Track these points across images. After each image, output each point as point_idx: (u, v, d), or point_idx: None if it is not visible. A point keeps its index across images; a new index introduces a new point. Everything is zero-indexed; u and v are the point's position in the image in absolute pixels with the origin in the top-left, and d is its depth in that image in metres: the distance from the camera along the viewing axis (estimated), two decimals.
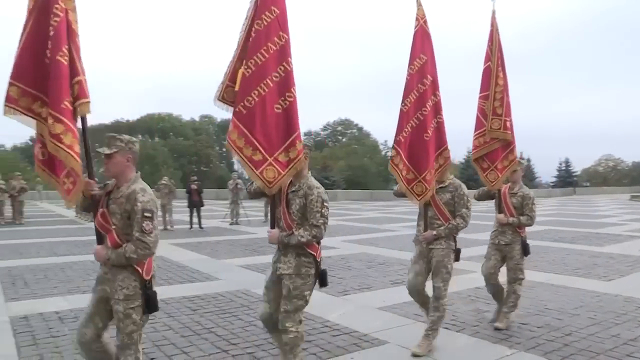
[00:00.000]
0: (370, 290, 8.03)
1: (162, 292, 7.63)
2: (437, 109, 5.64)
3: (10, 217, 20.28)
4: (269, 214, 17.95)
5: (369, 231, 16.89)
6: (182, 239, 14.71)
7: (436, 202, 5.47)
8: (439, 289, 5.29)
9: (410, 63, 5.55)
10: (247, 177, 4.77)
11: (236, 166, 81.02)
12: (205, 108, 78.94)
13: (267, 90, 4.31)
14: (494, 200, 6.39)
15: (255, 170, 4.25)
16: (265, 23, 4.36)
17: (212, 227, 18.48)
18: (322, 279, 4.30)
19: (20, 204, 20.47)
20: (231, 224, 19.43)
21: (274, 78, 4.35)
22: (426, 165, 5.45)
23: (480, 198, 6.64)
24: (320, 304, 6.53)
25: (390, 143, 5.72)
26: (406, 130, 5.49)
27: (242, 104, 4.25)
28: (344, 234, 16.01)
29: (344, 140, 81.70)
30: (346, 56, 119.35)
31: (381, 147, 78.22)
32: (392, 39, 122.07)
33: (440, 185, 5.53)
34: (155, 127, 74.75)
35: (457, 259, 5.49)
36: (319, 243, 4.30)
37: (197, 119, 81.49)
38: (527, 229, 6.31)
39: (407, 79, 5.55)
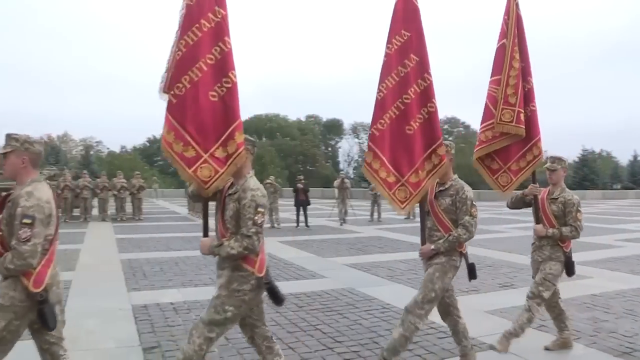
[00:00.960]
0: (477, 293, 7.80)
1: None
2: (426, 95, 4.71)
3: (130, 214, 21.68)
4: (374, 213, 17.80)
5: (477, 232, 16.37)
6: (288, 237, 15.04)
7: (435, 210, 4.64)
8: (413, 302, 4.43)
9: (388, 41, 4.70)
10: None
11: (342, 165, 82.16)
12: (311, 108, 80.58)
13: (200, 75, 3.73)
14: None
15: (187, 169, 3.72)
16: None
17: (318, 226, 18.74)
18: None
19: (139, 201, 21.84)
20: (341, 224, 19.10)
21: (209, 61, 3.77)
22: (409, 166, 4.66)
23: (513, 205, 5.54)
24: None
25: None
26: (382, 122, 4.66)
27: (172, 92, 3.70)
28: None
29: (450, 139, 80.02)
30: (447, 51, 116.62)
31: None
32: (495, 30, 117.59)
33: (440, 188, 4.68)
34: (262, 127, 77.02)
35: (472, 276, 4.77)
36: (257, 255, 3.66)
37: (303, 118, 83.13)
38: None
39: (383, 60, 4.71)
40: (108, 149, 72.54)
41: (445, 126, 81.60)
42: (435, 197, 4.66)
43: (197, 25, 3.74)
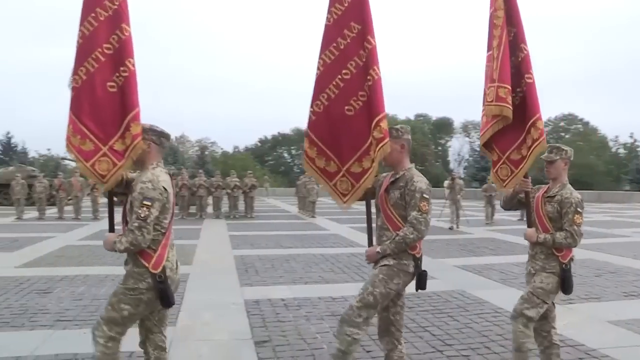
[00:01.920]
0: (599, 301, 7.28)
1: None
2: (367, 65, 4.02)
3: (243, 211, 22.46)
4: (491, 215, 16.92)
5: (596, 235, 15.35)
6: None
7: (384, 205, 3.94)
8: (348, 309, 3.82)
9: (328, 10, 4.17)
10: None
11: (452, 165, 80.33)
12: (420, 107, 79.41)
13: (96, 65, 3.57)
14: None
15: (85, 163, 3.56)
16: None
17: (432, 226, 18.17)
18: None
19: (251, 199, 22.58)
20: (450, 228, 17.55)
21: (106, 51, 3.60)
22: (350, 153, 4.06)
23: (507, 205, 4.62)
24: None
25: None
26: (318, 104, 4.11)
27: (72, 85, 3.58)
28: None
29: (567, 137, 75.71)
30: (563, 45, 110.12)
31: (611, 143, 71.09)
32: (625, 20, 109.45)
33: (392, 179, 3.95)
34: None
35: (420, 286, 3.97)
36: (155, 251, 3.44)
37: (411, 117, 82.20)
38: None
39: (323, 34, 4.18)
40: (222, 149, 76.05)
41: (562, 123, 77.58)
42: (386, 191, 3.93)
43: (93, 14, 3.61)
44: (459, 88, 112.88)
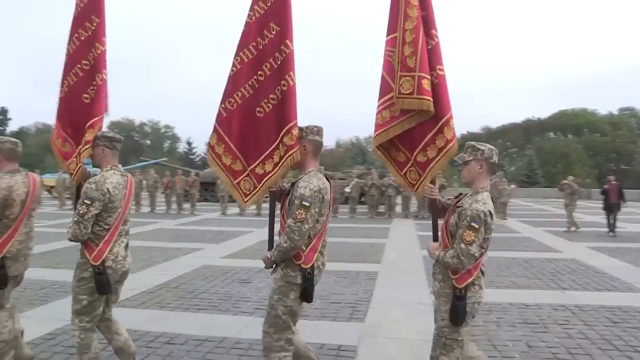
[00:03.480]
0: None
1: (576, 296, 7.23)
2: (282, 70, 3.98)
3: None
4: None
5: None
6: (597, 243, 13.64)
7: (281, 210, 3.83)
8: (263, 336, 3.69)
9: (250, 9, 4.15)
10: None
11: None
12: (626, 100, 71.85)
13: (75, 79, 4.18)
14: None
15: (65, 163, 4.38)
16: (79, 9, 4.28)
17: (635, 232, 16.55)
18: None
19: (423, 199, 22.21)
20: None
21: (84, 66, 4.20)
22: (256, 155, 4.05)
23: (430, 212, 4.06)
24: None
25: None
26: (231, 101, 4.10)
27: (60, 95, 4.36)
28: None
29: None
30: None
31: None
32: None
33: (293, 183, 3.81)
34: (568, 123, 71.61)
35: (304, 298, 3.65)
36: (94, 243, 3.81)
37: (615, 112, 74.73)
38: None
39: (242, 31, 4.16)
40: None
41: None
42: (288, 194, 3.78)
43: (75, 34, 4.34)
44: None
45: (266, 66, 4.10)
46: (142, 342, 5.22)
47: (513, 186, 40.95)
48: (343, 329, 5.76)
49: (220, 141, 4.21)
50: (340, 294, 7.43)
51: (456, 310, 3.40)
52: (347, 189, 23.34)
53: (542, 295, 7.35)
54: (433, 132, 3.94)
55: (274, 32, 4.10)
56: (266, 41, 4.12)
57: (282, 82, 4.03)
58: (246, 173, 4.16)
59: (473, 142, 3.64)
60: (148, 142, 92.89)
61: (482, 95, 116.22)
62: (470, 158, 3.57)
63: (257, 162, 4.10)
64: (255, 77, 4.13)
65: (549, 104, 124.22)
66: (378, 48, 4.20)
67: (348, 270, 9.23)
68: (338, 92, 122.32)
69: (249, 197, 4.19)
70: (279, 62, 4.06)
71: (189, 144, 78.70)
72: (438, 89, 3.91)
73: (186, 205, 23.79)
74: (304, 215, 3.53)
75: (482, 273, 3.57)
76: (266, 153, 4.05)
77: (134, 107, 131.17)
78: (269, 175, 4.04)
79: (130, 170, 35.18)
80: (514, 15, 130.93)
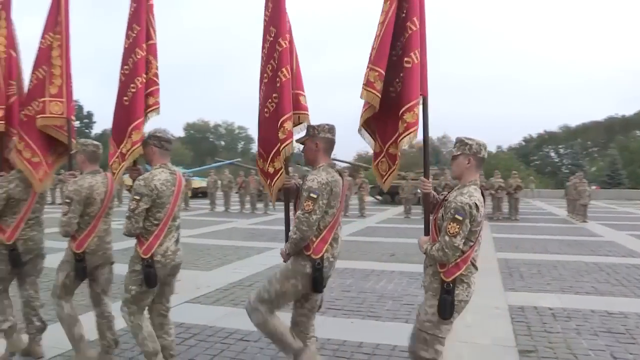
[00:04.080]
0: None
1: None
2: (278, 67, 4.21)
3: (506, 213, 21.67)
4: None
5: None
6: None
7: (295, 204, 4.09)
8: (247, 302, 4.09)
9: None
10: None
11: None
12: None
13: (119, 85, 4.61)
14: None
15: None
16: (128, 18, 4.67)
17: None
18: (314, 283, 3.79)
19: (516, 201, 21.65)
20: None
21: (125, 72, 4.57)
22: (267, 154, 4.31)
23: (424, 206, 4.06)
24: None
25: None
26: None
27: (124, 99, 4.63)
28: None
29: None
30: None
31: None
32: None
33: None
34: None
35: (314, 288, 3.86)
36: (145, 238, 4.03)
37: None
38: None
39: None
40: None
41: None
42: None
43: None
44: None
45: (269, 68, 4.34)
46: (217, 338, 5.36)
47: (594, 187, 39.24)
48: None
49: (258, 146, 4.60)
50: (412, 295, 7.35)
51: (444, 303, 3.44)
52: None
53: (627, 303, 6.99)
54: (388, 119, 4.02)
55: (272, 35, 4.32)
56: (268, 44, 4.37)
57: (277, 79, 4.21)
58: (267, 174, 4.41)
59: (462, 137, 3.67)
60: (222, 142, 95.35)
61: (559, 91, 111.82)
62: (459, 152, 3.61)
63: (268, 162, 4.34)
64: (264, 80, 4.39)
65: (634, 100, 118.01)
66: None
67: (421, 271, 9.04)
68: None
69: (272, 197, 4.50)
70: (276, 62, 4.26)
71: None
72: (406, 80, 3.88)
73: (259, 205, 24.24)
74: (311, 207, 3.72)
75: (475, 267, 3.57)
76: (274, 151, 4.26)
77: (209, 109, 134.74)
78: (280, 173, 4.28)
79: (205, 170, 36.35)
80: (594, 3, 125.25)
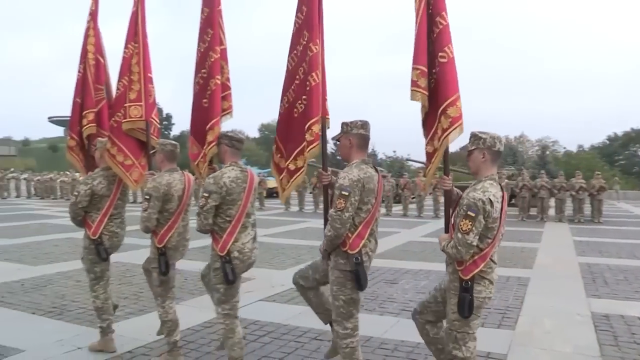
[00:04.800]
0: None
1: None
2: (308, 71, 4.37)
3: (588, 215, 20.72)
4: None
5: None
6: None
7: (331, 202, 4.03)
8: (336, 324, 3.92)
9: (294, 19, 4.59)
10: None
11: None
12: None
13: (197, 88, 4.93)
14: None
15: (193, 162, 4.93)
16: (200, 25, 4.95)
17: None
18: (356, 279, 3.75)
19: (599, 203, 20.64)
20: None
21: (203, 75, 4.87)
22: (291, 151, 4.52)
23: (445, 203, 3.97)
24: None
25: None
26: (281, 105, 4.68)
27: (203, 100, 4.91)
28: None
29: None
30: None
31: None
32: None
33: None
34: None
35: (358, 286, 3.80)
36: (219, 235, 4.13)
37: None
38: None
39: (290, 41, 4.62)
40: (564, 148, 70.92)
41: None
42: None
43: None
44: None
45: (300, 70, 4.49)
46: (291, 337, 5.43)
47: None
48: (492, 336, 5.54)
49: (275, 142, 4.80)
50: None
51: (462, 302, 3.40)
52: None
53: None
54: (436, 121, 3.89)
55: (305, 39, 4.44)
56: (300, 48, 4.50)
57: (307, 82, 4.36)
58: (285, 169, 4.59)
59: (476, 131, 3.62)
60: None
61: None
62: (473, 147, 3.57)
63: (290, 159, 4.51)
64: (296, 81, 4.53)
65: None
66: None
67: (500, 274, 8.85)
68: (489, 89, 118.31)
69: (285, 192, 4.65)
70: (307, 66, 4.40)
71: (335, 144, 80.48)
72: (440, 76, 3.86)
73: None
74: (343, 204, 3.71)
75: (494, 262, 3.53)
76: (298, 150, 4.43)
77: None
78: (301, 171, 4.46)
79: None
80: None
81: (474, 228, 3.29)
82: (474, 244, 3.32)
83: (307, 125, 4.28)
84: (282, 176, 4.63)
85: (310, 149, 4.27)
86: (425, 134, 4.08)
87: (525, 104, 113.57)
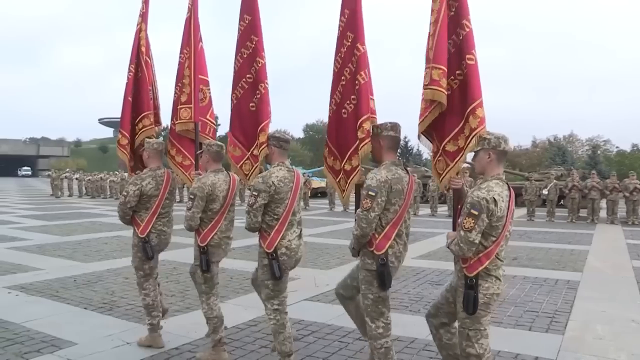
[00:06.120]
0: None
1: None
2: (356, 71, 4.46)
3: (623, 217, 19.98)
4: None
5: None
6: None
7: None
8: (368, 327, 4.00)
9: (338, 23, 4.64)
10: None
11: None
12: None
13: (242, 92, 5.10)
14: None
15: (236, 165, 5.08)
16: (241, 32, 5.10)
17: None
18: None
19: (633, 203, 19.86)
20: None
21: (248, 79, 5.07)
22: (345, 152, 4.53)
23: (454, 202, 3.99)
24: None
25: None
26: (329, 109, 4.75)
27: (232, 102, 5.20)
28: None
29: None
30: None
31: None
32: None
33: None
34: None
35: (381, 284, 3.86)
36: (267, 233, 4.22)
37: None
38: None
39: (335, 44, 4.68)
40: (617, 148, 68.65)
41: None
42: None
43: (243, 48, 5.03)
44: None
45: (347, 71, 4.53)
46: (335, 337, 5.44)
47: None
48: (540, 340, 5.41)
49: (325, 144, 4.86)
50: (536, 302, 7.02)
51: (467, 298, 3.42)
52: (544, 191, 21.91)
53: None
54: (462, 121, 3.88)
55: (350, 40, 4.51)
56: (345, 49, 4.55)
57: (356, 82, 4.42)
58: (341, 171, 4.60)
59: (484, 133, 3.68)
60: None
61: None
62: (479, 148, 3.62)
63: (345, 160, 4.52)
64: (342, 82, 4.56)
65: None
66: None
67: (545, 277, 8.68)
68: (533, 89, 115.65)
69: (345, 192, 4.62)
70: (354, 66, 4.46)
71: None
72: (469, 77, 3.88)
73: None
74: (369, 204, 3.79)
75: (500, 260, 3.51)
76: (351, 149, 4.43)
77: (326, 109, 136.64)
78: (357, 170, 4.45)
79: (319, 171, 36.96)
80: None
81: (476, 226, 3.32)
82: (476, 241, 3.34)
83: (358, 123, 4.35)
84: (339, 178, 4.65)
85: (362, 146, 4.30)
86: (441, 135, 4.05)
87: (575, 103, 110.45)
